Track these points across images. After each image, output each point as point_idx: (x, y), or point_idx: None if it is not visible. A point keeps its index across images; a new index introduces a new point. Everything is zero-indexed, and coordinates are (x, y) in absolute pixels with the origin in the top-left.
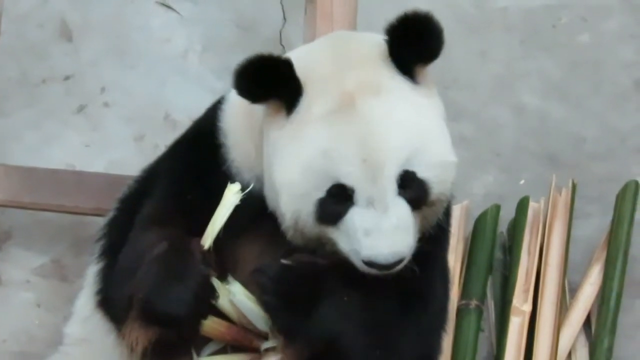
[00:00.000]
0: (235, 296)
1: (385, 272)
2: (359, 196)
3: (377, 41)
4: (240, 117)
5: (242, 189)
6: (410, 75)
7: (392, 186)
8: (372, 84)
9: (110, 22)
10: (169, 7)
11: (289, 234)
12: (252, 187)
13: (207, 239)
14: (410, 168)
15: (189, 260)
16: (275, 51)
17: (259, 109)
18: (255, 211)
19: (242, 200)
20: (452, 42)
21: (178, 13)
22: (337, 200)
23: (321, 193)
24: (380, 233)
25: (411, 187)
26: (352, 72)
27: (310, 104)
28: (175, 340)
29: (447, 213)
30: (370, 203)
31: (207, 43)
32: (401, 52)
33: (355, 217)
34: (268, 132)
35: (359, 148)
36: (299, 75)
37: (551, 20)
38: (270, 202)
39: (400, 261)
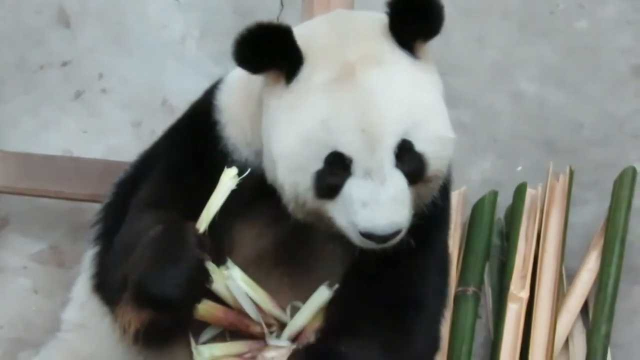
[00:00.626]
0: (232, 281)
1: (383, 244)
2: (356, 166)
3: (378, 17)
4: (236, 93)
5: (239, 171)
6: (410, 50)
7: (389, 157)
8: (373, 56)
9: (108, 8)
10: None
11: (290, 207)
12: (249, 166)
13: (202, 223)
14: (409, 139)
15: (183, 243)
16: None
17: (256, 81)
18: (253, 193)
19: (239, 182)
20: (450, 28)
21: None
22: (335, 171)
23: (319, 164)
24: (377, 204)
25: (409, 160)
26: (353, 44)
27: (311, 73)
28: (168, 323)
29: (447, 197)
30: (367, 174)
31: (204, 29)
32: (401, 27)
33: (353, 188)
34: (267, 102)
35: (358, 117)
36: (300, 45)
37: (549, 6)
38: (269, 174)
39: (397, 232)
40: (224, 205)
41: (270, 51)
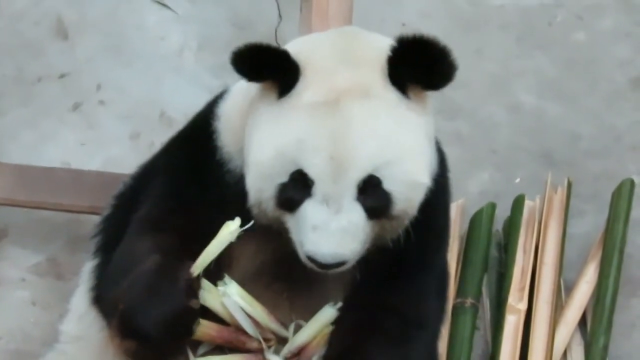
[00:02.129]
0: (228, 297)
1: (326, 270)
2: (317, 190)
3: (383, 45)
4: (236, 101)
5: (242, 223)
6: (403, 89)
7: (351, 190)
8: (362, 87)
9: (106, 20)
10: (164, 5)
11: (254, 212)
12: (243, 175)
13: (198, 268)
14: (377, 176)
15: (174, 285)
16: None
17: (255, 89)
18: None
19: (236, 197)
20: (447, 40)
21: (174, 11)
22: (297, 188)
23: (284, 177)
24: (326, 231)
25: (373, 195)
26: (348, 69)
27: (303, 90)
28: (151, 355)
29: (446, 214)
30: (325, 200)
31: (202, 41)
32: (397, 68)
33: (309, 209)
34: (256, 108)
35: (330, 144)
36: (301, 60)
37: (547, 18)
38: (245, 177)
39: (340, 264)
40: (222, 220)
41: (266, 67)
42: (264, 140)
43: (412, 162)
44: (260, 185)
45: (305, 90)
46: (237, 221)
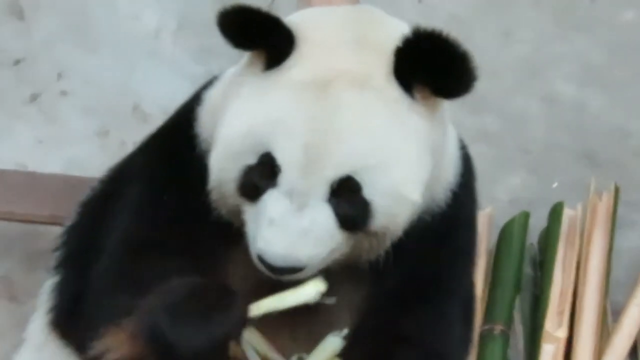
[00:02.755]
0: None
1: (278, 275)
2: (282, 179)
3: (398, 34)
4: (223, 85)
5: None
6: (409, 88)
7: (322, 187)
8: (361, 74)
9: None
10: None
11: (213, 197)
12: None
13: (258, 310)
14: (357, 180)
15: (229, 297)
16: None
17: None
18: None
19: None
20: (470, 20)
21: None
22: (263, 174)
23: (253, 159)
24: (282, 228)
25: (349, 201)
26: (349, 52)
27: (292, 66)
28: None
29: (472, 228)
30: (290, 193)
31: (182, 20)
32: (405, 68)
33: (269, 200)
34: (240, 79)
35: (308, 131)
36: (299, 32)
37: None
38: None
39: (294, 269)
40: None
41: (256, 33)
42: (238, 113)
43: (402, 172)
44: (225, 163)
45: (296, 66)
46: (322, 284)
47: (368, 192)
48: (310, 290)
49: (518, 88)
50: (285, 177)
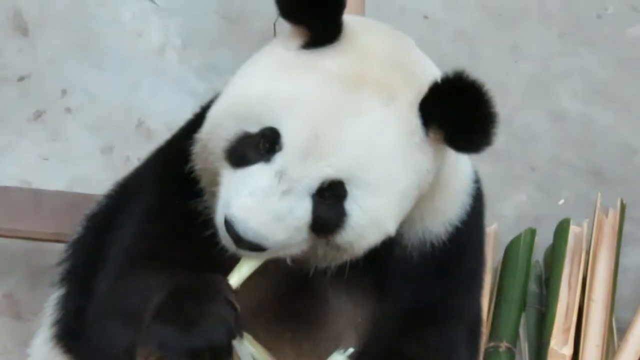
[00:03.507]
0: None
1: (237, 247)
2: (279, 158)
3: (432, 71)
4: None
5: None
6: (427, 125)
7: (313, 181)
8: (390, 93)
9: (73, 13)
10: None
11: (196, 149)
12: None
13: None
14: (346, 188)
15: (219, 293)
16: None
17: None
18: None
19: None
20: (477, 36)
21: (153, 2)
22: (258, 146)
23: (255, 127)
24: (261, 204)
25: (329, 205)
26: (387, 68)
27: (330, 56)
28: None
29: (480, 250)
30: (280, 173)
31: (187, 37)
32: (431, 106)
33: (257, 172)
34: (265, 48)
35: (324, 122)
36: (347, 29)
37: (595, 9)
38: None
39: (257, 246)
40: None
41: (310, 8)
42: (256, 77)
43: (388, 200)
44: (225, 120)
45: (332, 57)
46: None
47: (350, 205)
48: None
49: (525, 104)
50: (283, 157)
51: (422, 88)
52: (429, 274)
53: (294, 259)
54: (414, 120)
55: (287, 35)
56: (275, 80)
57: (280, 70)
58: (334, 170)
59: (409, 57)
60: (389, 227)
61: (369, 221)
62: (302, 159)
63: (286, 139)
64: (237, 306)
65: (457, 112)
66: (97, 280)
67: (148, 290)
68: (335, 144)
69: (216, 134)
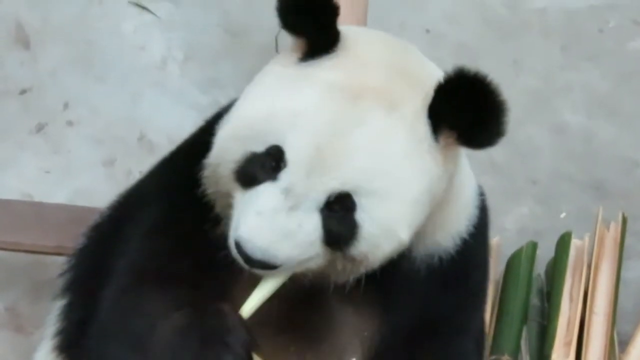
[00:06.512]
0: None
1: (250, 267)
2: (284, 175)
3: (437, 73)
4: None
5: None
6: (436, 131)
7: (320, 195)
8: (393, 100)
9: (74, 26)
10: (144, 7)
11: (206, 173)
12: None
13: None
14: (354, 200)
15: (229, 324)
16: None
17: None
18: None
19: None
20: (478, 50)
21: (155, 15)
22: (266, 165)
23: (261, 147)
24: (269, 223)
25: (339, 218)
26: (390, 76)
27: (328, 67)
28: None
29: (484, 269)
30: (287, 191)
31: (189, 51)
32: (440, 107)
33: (264, 192)
34: (266, 68)
35: (326, 135)
36: (345, 38)
37: (597, 23)
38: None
39: (268, 266)
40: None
41: (307, 19)
42: (258, 98)
43: (399, 208)
44: (232, 144)
45: (331, 68)
46: None
47: (360, 215)
48: None
49: (526, 118)
50: (288, 174)
51: (429, 92)
52: (436, 288)
53: (314, 275)
54: (421, 126)
55: (287, 51)
56: (277, 97)
57: (280, 87)
58: (339, 183)
59: (412, 63)
60: (403, 235)
61: (381, 230)
62: (307, 174)
63: (290, 155)
64: (250, 337)
65: (466, 108)
66: (101, 293)
67: (154, 312)
68: (339, 157)
69: (224, 157)
